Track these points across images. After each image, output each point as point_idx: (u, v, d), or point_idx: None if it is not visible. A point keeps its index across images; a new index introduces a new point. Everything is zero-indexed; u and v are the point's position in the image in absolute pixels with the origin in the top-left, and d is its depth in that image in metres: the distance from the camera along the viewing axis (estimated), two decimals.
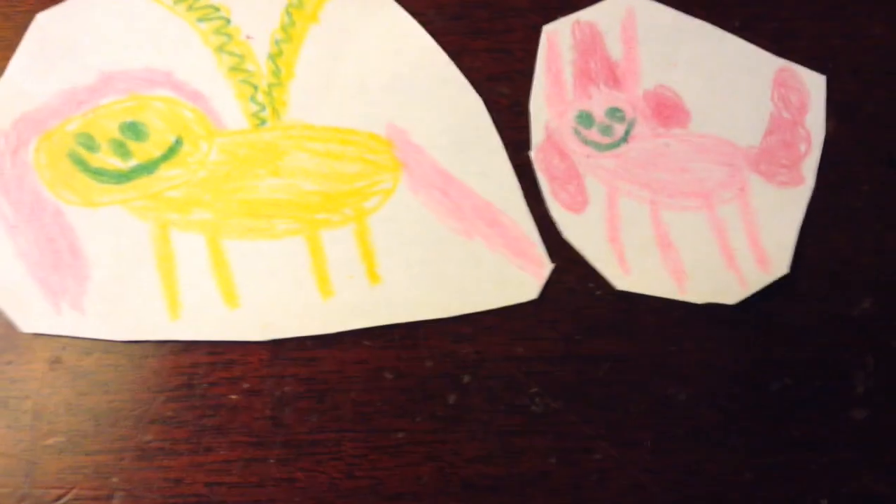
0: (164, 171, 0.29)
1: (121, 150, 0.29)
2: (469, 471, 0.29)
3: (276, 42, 0.30)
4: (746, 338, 0.30)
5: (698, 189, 0.30)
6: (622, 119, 0.30)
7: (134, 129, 0.29)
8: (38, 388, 0.28)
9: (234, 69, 0.30)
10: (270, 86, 0.30)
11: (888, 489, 0.29)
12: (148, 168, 0.29)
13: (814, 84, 0.31)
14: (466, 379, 0.29)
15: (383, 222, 0.30)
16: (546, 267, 0.30)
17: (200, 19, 0.30)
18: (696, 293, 0.30)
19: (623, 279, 0.30)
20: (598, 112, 0.31)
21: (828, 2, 0.31)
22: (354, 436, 0.29)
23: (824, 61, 0.31)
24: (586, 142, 0.30)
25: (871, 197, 0.31)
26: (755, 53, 0.31)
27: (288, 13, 0.30)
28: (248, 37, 0.30)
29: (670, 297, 0.30)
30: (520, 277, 0.30)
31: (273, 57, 0.30)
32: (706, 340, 0.30)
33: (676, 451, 0.29)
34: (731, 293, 0.30)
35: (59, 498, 0.28)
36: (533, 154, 0.30)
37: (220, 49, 0.30)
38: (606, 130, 0.30)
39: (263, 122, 0.30)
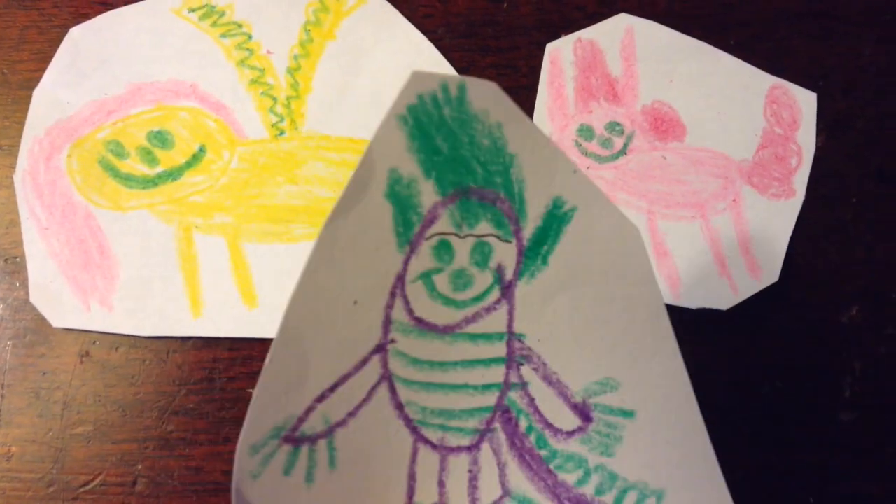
0: (189, 177, 0.31)
1: (148, 157, 0.31)
2: None
3: (295, 57, 0.32)
4: (738, 342, 0.31)
5: (693, 200, 0.32)
6: (621, 133, 0.32)
7: (161, 138, 0.31)
8: (69, 380, 0.30)
9: (255, 82, 0.32)
10: (289, 98, 0.31)
11: (875, 489, 0.31)
12: (173, 174, 0.31)
13: (805, 101, 0.32)
14: None
15: None
16: None
17: (224, 35, 0.32)
18: (690, 299, 0.31)
19: None
20: (599, 126, 0.32)
21: (820, 23, 0.32)
22: None
23: (816, 80, 0.32)
24: (587, 154, 0.32)
25: (859, 209, 0.32)
26: (749, 71, 0.32)
27: (306, 30, 0.32)
28: (268, 52, 0.32)
29: (665, 303, 0.31)
30: None
31: (291, 71, 0.32)
32: (700, 344, 0.31)
33: None
34: (723, 299, 0.31)
35: (85, 484, 0.30)
36: None
37: (241, 63, 0.32)
38: (606, 143, 0.32)
39: (282, 132, 0.31)
